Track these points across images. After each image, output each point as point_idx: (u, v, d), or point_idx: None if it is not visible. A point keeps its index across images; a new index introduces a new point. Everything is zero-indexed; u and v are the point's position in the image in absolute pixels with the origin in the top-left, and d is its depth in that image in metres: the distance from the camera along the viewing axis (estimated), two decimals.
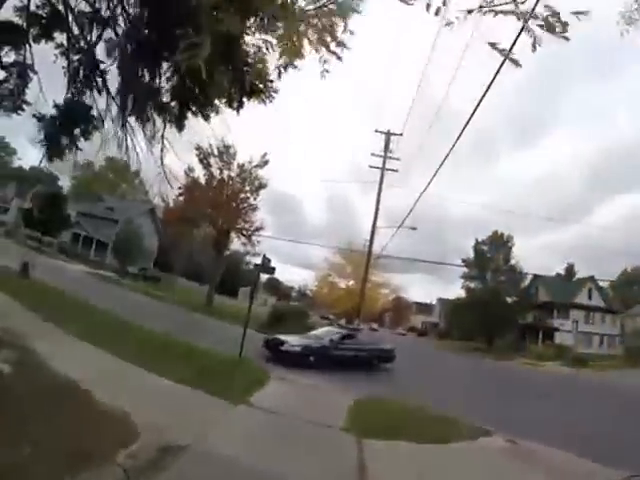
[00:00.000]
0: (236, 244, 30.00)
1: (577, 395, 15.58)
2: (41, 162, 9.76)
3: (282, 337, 12.76)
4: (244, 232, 27.06)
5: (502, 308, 38.92)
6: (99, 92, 9.35)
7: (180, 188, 27.12)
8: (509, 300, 41.81)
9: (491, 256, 45.76)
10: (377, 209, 22.06)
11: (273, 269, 9.35)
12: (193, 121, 6.20)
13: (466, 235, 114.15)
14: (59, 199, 39.90)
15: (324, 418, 6.05)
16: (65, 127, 10.27)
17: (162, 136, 6.53)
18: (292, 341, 12.46)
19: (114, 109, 8.24)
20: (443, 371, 19.19)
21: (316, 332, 14.64)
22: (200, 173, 27.23)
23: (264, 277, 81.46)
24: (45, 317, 7.94)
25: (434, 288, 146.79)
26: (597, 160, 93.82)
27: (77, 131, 10.08)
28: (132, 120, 7.20)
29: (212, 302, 27.03)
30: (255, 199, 27.31)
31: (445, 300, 61.35)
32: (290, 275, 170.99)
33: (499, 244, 45.96)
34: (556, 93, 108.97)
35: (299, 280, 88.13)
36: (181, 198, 27.36)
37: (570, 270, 55.69)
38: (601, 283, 46.07)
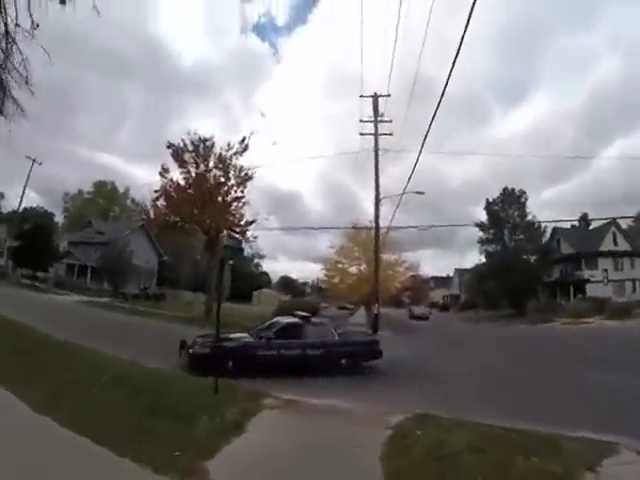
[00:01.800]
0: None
1: None
2: None
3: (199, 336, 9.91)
4: (235, 228, 24.43)
5: (526, 267, 36.12)
6: None
7: (156, 191, 24.74)
8: (531, 258, 39.10)
9: (505, 215, 42.88)
10: (377, 177, 19.70)
11: (241, 250, 6.91)
12: None
13: (471, 201, 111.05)
14: (44, 232, 37.92)
15: None
16: None
17: None
18: (203, 341, 9.33)
19: None
20: (481, 349, 16.45)
21: (262, 325, 11.04)
22: (176, 173, 24.68)
23: (276, 276, 78.75)
24: None
25: (449, 261, 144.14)
26: (589, 108, 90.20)
27: None
28: None
29: (211, 311, 24.48)
30: (242, 192, 24.70)
31: (463, 270, 58.51)
32: (302, 272, 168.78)
33: (512, 201, 43.01)
34: (534, 47, 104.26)
35: (313, 275, 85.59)
36: (159, 203, 24.88)
37: (585, 219, 52.61)
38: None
